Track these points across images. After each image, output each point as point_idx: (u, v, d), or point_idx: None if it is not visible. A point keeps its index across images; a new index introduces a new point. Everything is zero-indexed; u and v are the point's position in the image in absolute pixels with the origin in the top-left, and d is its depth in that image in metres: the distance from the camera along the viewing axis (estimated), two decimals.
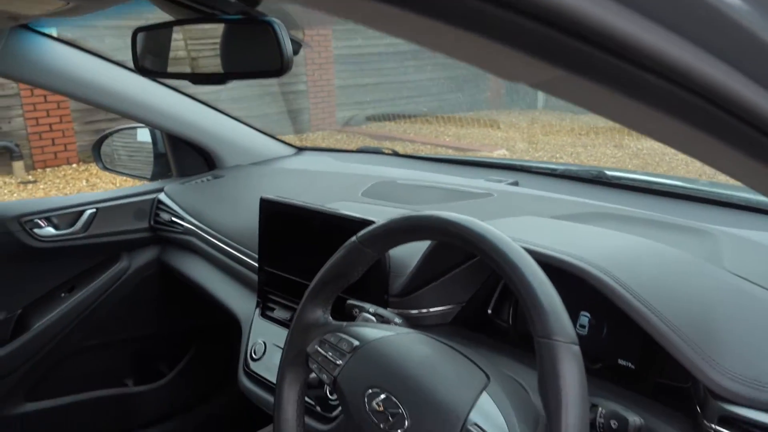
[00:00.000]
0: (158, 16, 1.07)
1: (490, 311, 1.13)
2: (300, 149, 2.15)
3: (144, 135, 2.04)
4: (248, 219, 1.48)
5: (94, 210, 1.81)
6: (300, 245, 1.31)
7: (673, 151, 0.47)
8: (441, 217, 0.77)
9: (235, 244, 1.54)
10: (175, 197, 1.85)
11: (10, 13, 1.13)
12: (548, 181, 1.58)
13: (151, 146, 2.03)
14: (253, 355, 1.33)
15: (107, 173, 2.47)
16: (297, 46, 1.04)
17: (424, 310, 1.12)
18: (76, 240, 1.78)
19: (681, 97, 0.34)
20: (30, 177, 6.54)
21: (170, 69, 1.10)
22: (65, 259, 1.81)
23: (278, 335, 1.31)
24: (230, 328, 1.60)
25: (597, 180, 1.52)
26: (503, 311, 1.12)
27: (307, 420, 1.14)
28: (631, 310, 0.80)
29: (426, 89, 9.26)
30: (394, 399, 0.77)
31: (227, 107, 2.06)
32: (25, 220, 1.71)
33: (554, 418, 0.63)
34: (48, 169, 6.78)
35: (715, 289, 0.86)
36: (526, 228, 1.08)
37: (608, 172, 1.54)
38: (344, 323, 0.89)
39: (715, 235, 1.06)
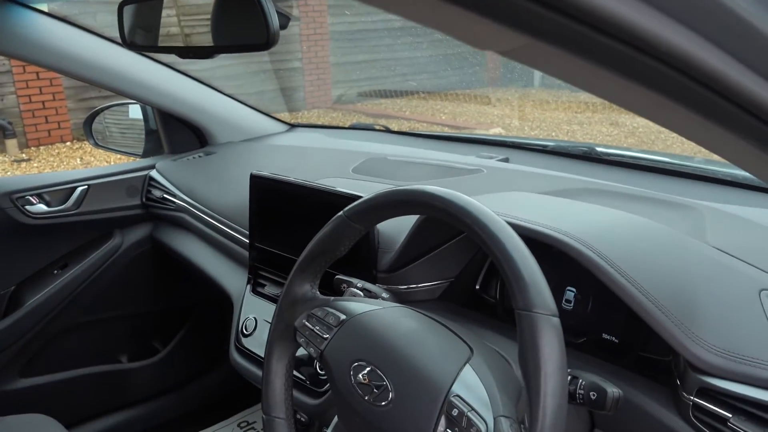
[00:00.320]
0: None
1: (478, 287, 1.14)
2: (292, 126, 2.14)
3: (135, 111, 2.03)
4: (239, 196, 1.49)
5: (86, 186, 1.80)
6: (290, 221, 1.31)
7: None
8: (426, 191, 0.78)
9: (226, 221, 1.55)
10: (167, 174, 1.85)
11: None
12: (539, 157, 1.59)
13: (142, 123, 2.02)
14: (245, 330, 1.34)
15: (101, 151, 2.47)
16: (285, 20, 1.04)
17: (413, 286, 1.13)
18: (68, 217, 1.78)
19: (642, 62, 0.35)
20: (23, 155, 6.51)
21: (157, 43, 1.09)
22: (57, 236, 1.81)
23: (269, 311, 1.31)
24: (223, 304, 1.60)
25: (587, 156, 1.53)
26: (491, 287, 1.13)
27: (297, 395, 1.15)
28: (612, 283, 0.81)
29: (422, 67, 9.20)
30: (379, 372, 0.78)
31: (221, 84, 2.05)
32: (17, 197, 1.71)
33: (533, 388, 0.64)
34: (42, 147, 6.74)
35: (697, 264, 0.87)
36: (512, 203, 1.08)
37: (599, 149, 1.54)
38: (332, 298, 0.90)
39: (700, 211, 1.06)
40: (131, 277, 1.91)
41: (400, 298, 1.04)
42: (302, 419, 1.24)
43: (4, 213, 1.70)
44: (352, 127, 2.24)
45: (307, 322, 0.88)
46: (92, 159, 6.36)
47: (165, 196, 1.81)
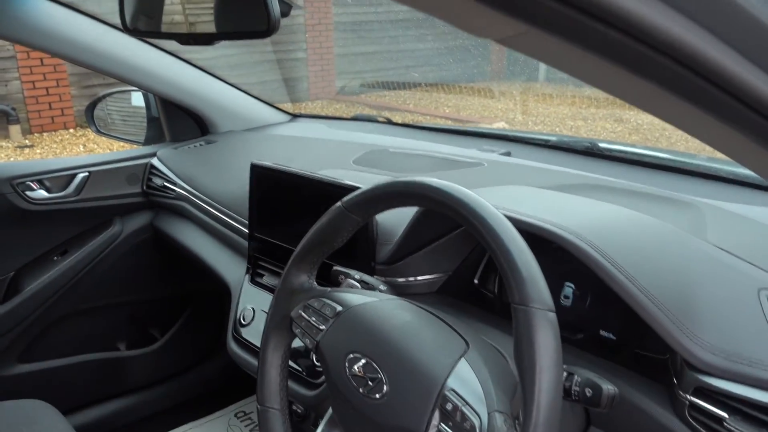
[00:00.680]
0: None
1: (476, 281, 1.14)
2: (294, 116, 2.14)
3: (137, 99, 2.03)
4: (240, 185, 1.48)
5: (87, 173, 1.80)
6: (290, 212, 1.31)
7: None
8: (424, 183, 0.77)
9: (226, 210, 1.54)
10: (168, 162, 1.84)
11: None
12: (541, 151, 1.58)
13: (144, 110, 2.02)
14: (242, 320, 1.34)
15: (104, 138, 2.47)
16: (286, 7, 1.03)
17: (411, 278, 1.13)
18: (69, 203, 1.78)
19: (640, 51, 0.34)
20: (27, 141, 6.51)
21: (158, 29, 1.08)
22: (58, 223, 1.81)
23: (267, 301, 1.31)
24: (222, 293, 1.60)
25: (589, 152, 1.52)
26: (489, 281, 1.13)
27: (294, 386, 1.15)
28: (609, 279, 0.80)
29: (426, 59, 9.16)
30: (374, 364, 0.77)
31: (224, 74, 2.05)
32: (18, 183, 1.71)
33: (527, 383, 0.63)
34: (45, 134, 6.74)
35: (696, 262, 0.86)
36: (511, 197, 1.08)
37: (601, 144, 1.54)
38: (328, 289, 0.90)
39: (701, 208, 1.06)
40: (131, 265, 1.91)
41: (398, 290, 1.03)
42: (298, 410, 1.24)
43: (4, 198, 1.70)
44: (355, 119, 2.23)
45: (303, 313, 0.88)
46: (95, 146, 6.36)
47: (165, 184, 1.80)
